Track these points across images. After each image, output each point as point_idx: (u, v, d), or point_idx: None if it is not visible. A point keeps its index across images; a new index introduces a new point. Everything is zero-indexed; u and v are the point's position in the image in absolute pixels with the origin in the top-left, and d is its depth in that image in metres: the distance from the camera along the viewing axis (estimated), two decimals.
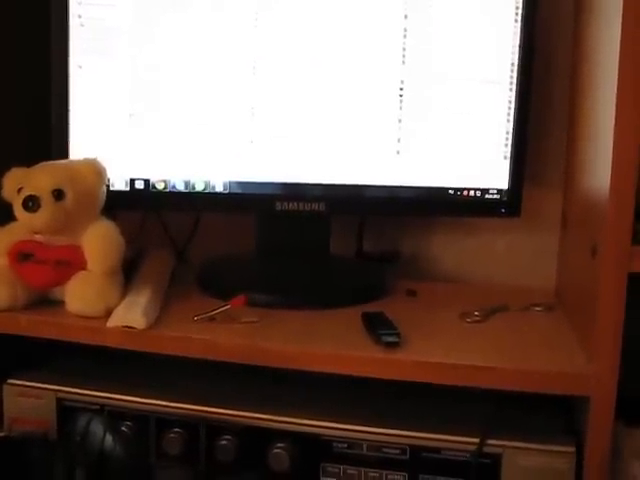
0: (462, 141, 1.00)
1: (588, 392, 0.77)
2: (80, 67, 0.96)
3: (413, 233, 1.20)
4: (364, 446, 0.84)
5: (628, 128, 0.73)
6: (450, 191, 1.02)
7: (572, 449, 0.79)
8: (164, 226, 1.22)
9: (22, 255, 0.90)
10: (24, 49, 1.06)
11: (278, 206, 1.01)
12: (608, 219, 0.74)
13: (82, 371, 0.96)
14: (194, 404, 0.87)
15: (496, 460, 0.80)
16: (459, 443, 0.81)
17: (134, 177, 1.00)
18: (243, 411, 0.86)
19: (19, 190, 0.89)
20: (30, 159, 0.92)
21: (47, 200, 0.87)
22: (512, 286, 1.15)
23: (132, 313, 0.87)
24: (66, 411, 0.90)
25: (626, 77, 0.73)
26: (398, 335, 0.83)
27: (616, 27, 0.73)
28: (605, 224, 0.74)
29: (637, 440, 0.89)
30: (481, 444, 0.80)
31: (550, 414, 0.88)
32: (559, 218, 1.12)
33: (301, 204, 1.01)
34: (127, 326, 0.86)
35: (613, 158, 0.74)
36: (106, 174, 0.94)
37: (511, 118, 1.00)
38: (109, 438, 0.69)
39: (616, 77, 0.73)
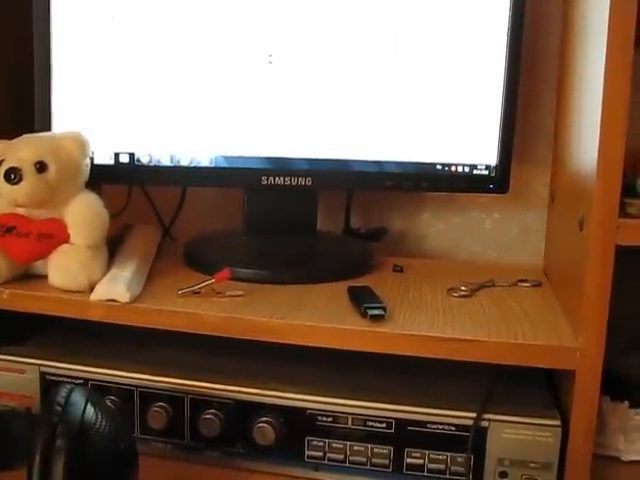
0: (451, 116, 0.99)
1: (574, 366, 0.77)
2: (63, 38, 0.95)
3: (401, 210, 1.20)
4: (349, 420, 0.83)
5: (616, 100, 0.72)
6: (438, 166, 1.01)
7: (558, 422, 0.79)
8: (150, 202, 1.21)
9: (4, 228, 0.88)
10: (5, 18, 1.04)
11: (264, 180, 1.00)
12: (596, 190, 0.73)
13: (66, 345, 0.95)
14: (178, 378, 0.86)
15: (482, 433, 0.80)
16: (445, 417, 0.81)
17: (118, 151, 0.99)
18: (228, 385, 0.85)
19: (0, 163, 0.87)
20: (12, 132, 0.91)
21: (29, 172, 0.86)
22: (499, 263, 1.15)
23: (115, 286, 0.86)
24: (50, 385, 0.89)
25: (615, 50, 0.72)
26: (384, 309, 0.83)
27: None
28: (593, 196, 0.74)
29: (622, 414, 0.89)
30: (477, 419, 0.80)
31: (536, 388, 0.88)
32: (546, 196, 1.12)
33: (287, 178, 1.00)
34: (110, 299, 0.85)
35: (601, 129, 0.73)
36: (89, 147, 0.93)
37: (500, 94, 0.99)
38: (90, 409, 0.68)
39: (604, 51, 0.72)
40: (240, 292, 0.89)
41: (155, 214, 1.21)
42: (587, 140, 0.80)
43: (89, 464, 0.66)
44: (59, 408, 0.67)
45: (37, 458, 0.64)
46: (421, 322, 0.83)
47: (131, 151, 0.99)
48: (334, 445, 0.84)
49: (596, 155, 0.74)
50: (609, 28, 0.72)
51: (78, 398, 0.69)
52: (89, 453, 0.67)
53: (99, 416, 0.69)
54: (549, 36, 1.09)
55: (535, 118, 1.12)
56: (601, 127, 0.73)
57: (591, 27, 0.83)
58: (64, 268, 0.88)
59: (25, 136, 0.91)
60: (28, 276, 0.91)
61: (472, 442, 0.80)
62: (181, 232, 1.21)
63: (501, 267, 1.09)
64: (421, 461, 0.82)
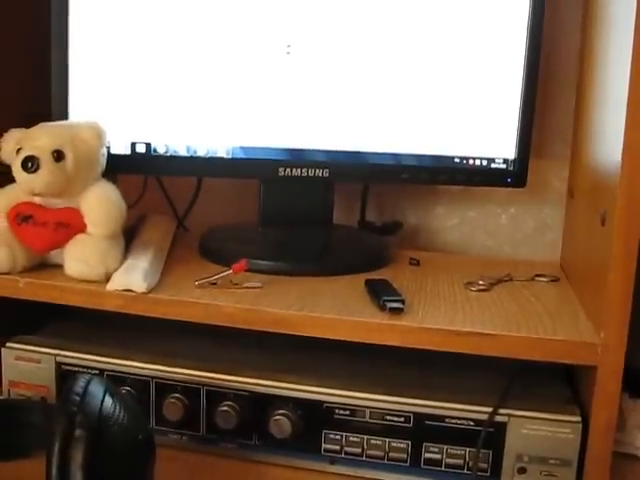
0: (469, 109, 0.98)
1: (595, 362, 0.76)
2: (80, 26, 0.94)
3: (417, 204, 1.19)
4: (367, 413, 0.83)
5: None
6: (456, 159, 1.00)
7: (578, 419, 0.79)
8: (165, 193, 1.20)
9: (21, 217, 0.88)
10: (21, 5, 1.03)
11: (281, 172, 0.99)
12: (620, 184, 0.72)
13: (82, 335, 0.94)
14: (194, 369, 0.86)
15: (501, 428, 0.80)
16: (463, 411, 0.81)
17: (135, 141, 0.98)
18: (244, 377, 0.85)
19: (18, 151, 0.87)
20: (29, 121, 0.90)
21: (47, 161, 0.85)
22: (515, 258, 1.14)
23: (132, 277, 0.85)
24: (65, 375, 0.89)
25: None
26: (402, 302, 0.82)
27: None
28: (617, 190, 0.73)
29: None
30: (493, 413, 0.79)
31: (555, 383, 0.88)
32: (564, 190, 1.11)
33: (304, 170, 0.99)
34: (127, 289, 0.84)
35: (627, 123, 0.72)
36: (106, 136, 0.92)
37: (519, 87, 0.98)
38: (109, 400, 0.67)
39: (631, 46, 0.71)
40: (258, 284, 0.88)
41: (170, 205, 1.21)
42: (610, 134, 0.79)
43: (107, 455, 0.66)
44: (77, 398, 0.66)
45: (56, 448, 0.63)
46: (440, 316, 0.82)
47: (148, 141, 0.98)
48: (351, 439, 0.83)
49: (621, 149, 0.73)
50: (636, 22, 0.70)
51: (96, 389, 0.68)
52: (107, 444, 0.66)
53: (117, 407, 0.68)
54: (569, 31, 1.08)
55: (553, 112, 1.11)
56: (626, 122, 0.72)
57: (615, 22, 0.82)
58: (80, 258, 0.87)
59: (42, 124, 0.90)
60: (44, 265, 0.91)
61: (490, 437, 0.80)
62: (194, 224, 1.20)
63: (517, 262, 1.08)
64: (439, 456, 0.82)
